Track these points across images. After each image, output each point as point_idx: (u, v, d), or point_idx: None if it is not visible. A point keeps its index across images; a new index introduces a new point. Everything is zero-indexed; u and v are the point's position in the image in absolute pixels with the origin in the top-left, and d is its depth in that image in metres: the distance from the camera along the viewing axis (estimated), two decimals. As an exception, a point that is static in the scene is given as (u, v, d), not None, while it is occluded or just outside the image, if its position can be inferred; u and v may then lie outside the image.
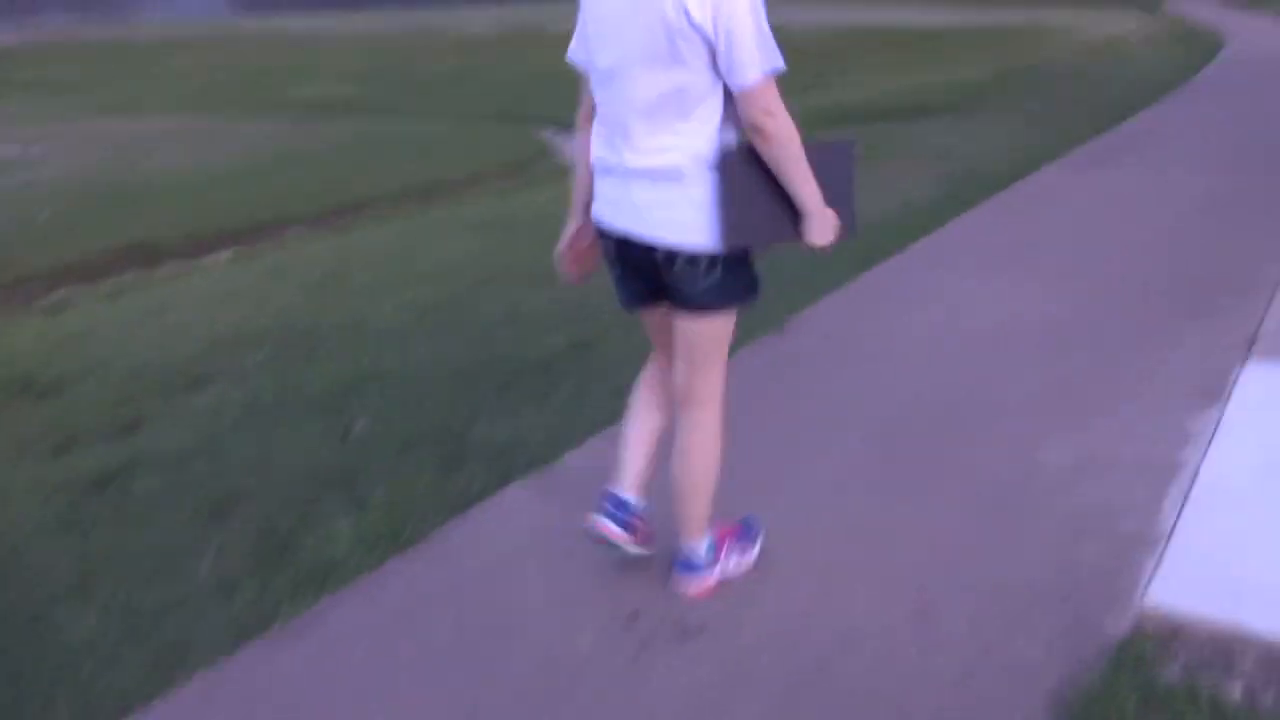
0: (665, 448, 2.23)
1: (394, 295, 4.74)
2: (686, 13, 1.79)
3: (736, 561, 2.27)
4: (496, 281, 4.88)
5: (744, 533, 2.31)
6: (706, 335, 2.05)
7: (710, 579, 2.23)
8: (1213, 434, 2.80)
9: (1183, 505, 2.44)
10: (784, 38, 1.97)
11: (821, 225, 1.95)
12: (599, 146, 2.02)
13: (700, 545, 2.21)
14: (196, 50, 29.64)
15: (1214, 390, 3.10)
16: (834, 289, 4.36)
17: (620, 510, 2.18)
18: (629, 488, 2.21)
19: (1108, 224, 5.31)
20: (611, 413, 3.20)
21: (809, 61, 14.47)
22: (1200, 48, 15.33)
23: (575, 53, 2.05)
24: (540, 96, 17.23)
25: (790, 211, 1.95)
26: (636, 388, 2.31)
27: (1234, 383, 3.13)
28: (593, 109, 2.06)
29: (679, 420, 2.16)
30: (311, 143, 14.13)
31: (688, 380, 2.11)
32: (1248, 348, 3.42)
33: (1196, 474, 2.59)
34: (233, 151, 13.71)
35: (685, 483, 2.16)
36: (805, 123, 2.01)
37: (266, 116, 17.78)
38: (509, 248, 5.69)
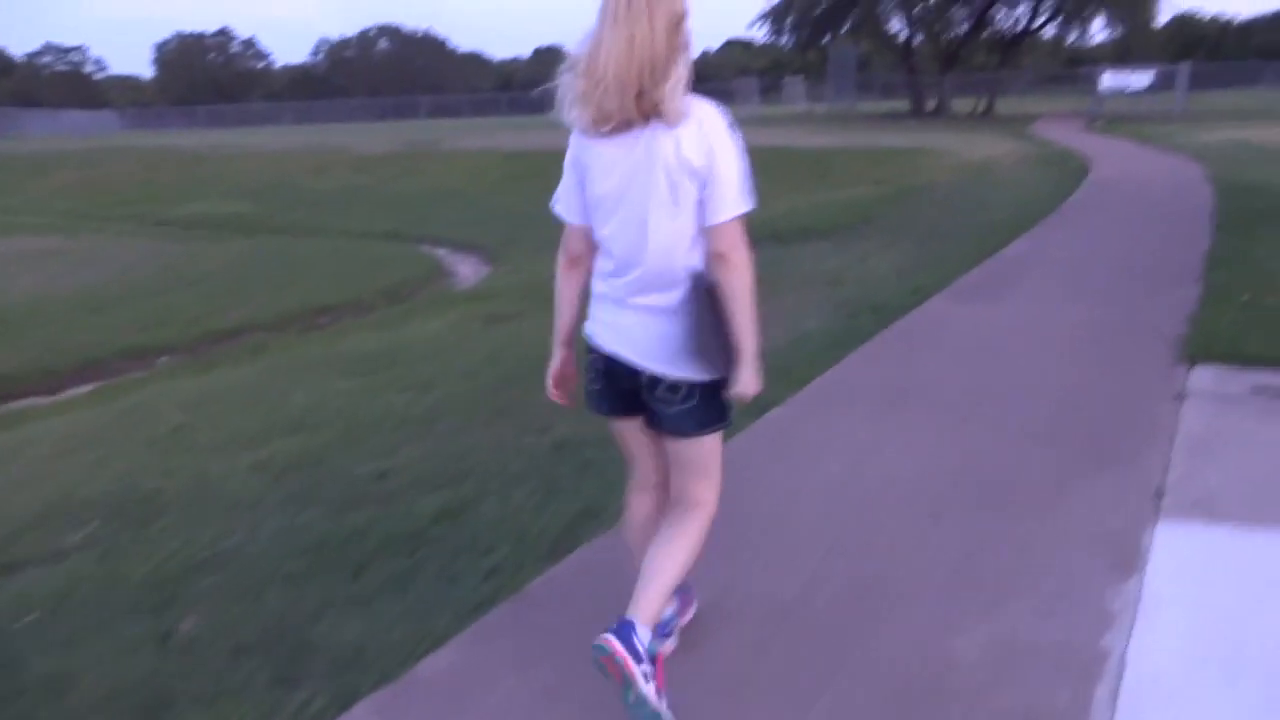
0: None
1: (251, 450, 4.30)
2: (689, 164, 1.97)
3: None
4: (369, 430, 4.49)
5: None
6: (699, 454, 2.22)
7: (633, 670, 1.98)
8: (1134, 613, 2.58)
9: (1113, 709, 2.20)
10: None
11: (755, 373, 2.10)
12: (601, 278, 2.17)
13: (645, 635, 2.05)
14: (81, 166, 28.79)
15: (1129, 557, 2.91)
16: (733, 434, 4.11)
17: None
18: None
19: (999, 359, 5.23)
20: (479, 600, 2.84)
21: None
22: (1069, 170, 16.03)
23: (561, 207, 2.18)
24: (435, 215, 17.07)
25: (729, 353, 2.09)
26: (627, 521, 2.43)
27: (1148, 548, 2.95)
28: (575, 256, 2.21)
29: (671, 512, 2.27)
30: (194, 264, 13.62)
31: (688, 487, 2.25)
32: (1156, 502, 3.27)
33: (1123, 666, 2.36)
34: (110, 273, 13.11)
35: (653, 565, 2.15)
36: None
37: (149, 235, 17.20)
38: (389, 387, 5.30)
